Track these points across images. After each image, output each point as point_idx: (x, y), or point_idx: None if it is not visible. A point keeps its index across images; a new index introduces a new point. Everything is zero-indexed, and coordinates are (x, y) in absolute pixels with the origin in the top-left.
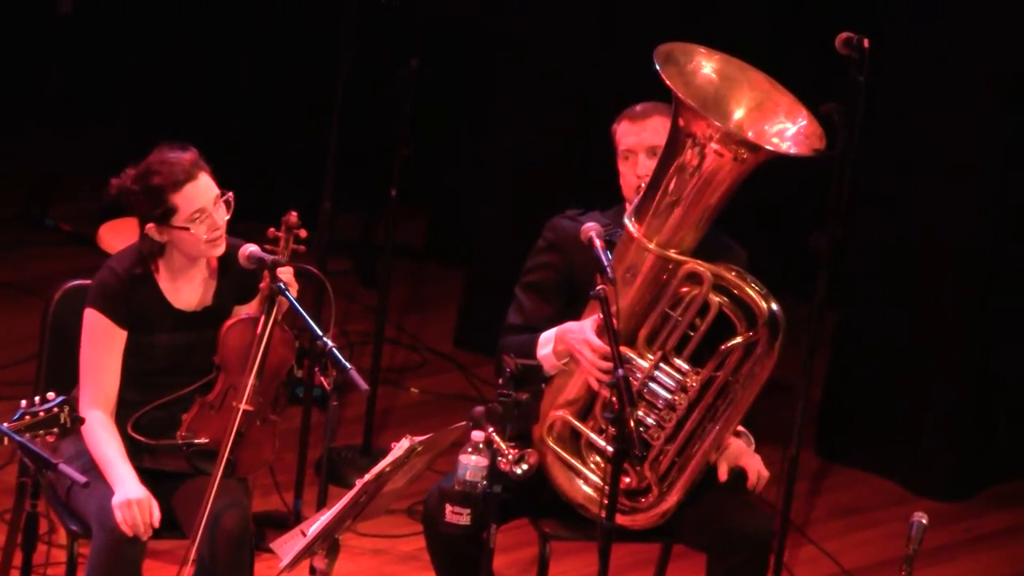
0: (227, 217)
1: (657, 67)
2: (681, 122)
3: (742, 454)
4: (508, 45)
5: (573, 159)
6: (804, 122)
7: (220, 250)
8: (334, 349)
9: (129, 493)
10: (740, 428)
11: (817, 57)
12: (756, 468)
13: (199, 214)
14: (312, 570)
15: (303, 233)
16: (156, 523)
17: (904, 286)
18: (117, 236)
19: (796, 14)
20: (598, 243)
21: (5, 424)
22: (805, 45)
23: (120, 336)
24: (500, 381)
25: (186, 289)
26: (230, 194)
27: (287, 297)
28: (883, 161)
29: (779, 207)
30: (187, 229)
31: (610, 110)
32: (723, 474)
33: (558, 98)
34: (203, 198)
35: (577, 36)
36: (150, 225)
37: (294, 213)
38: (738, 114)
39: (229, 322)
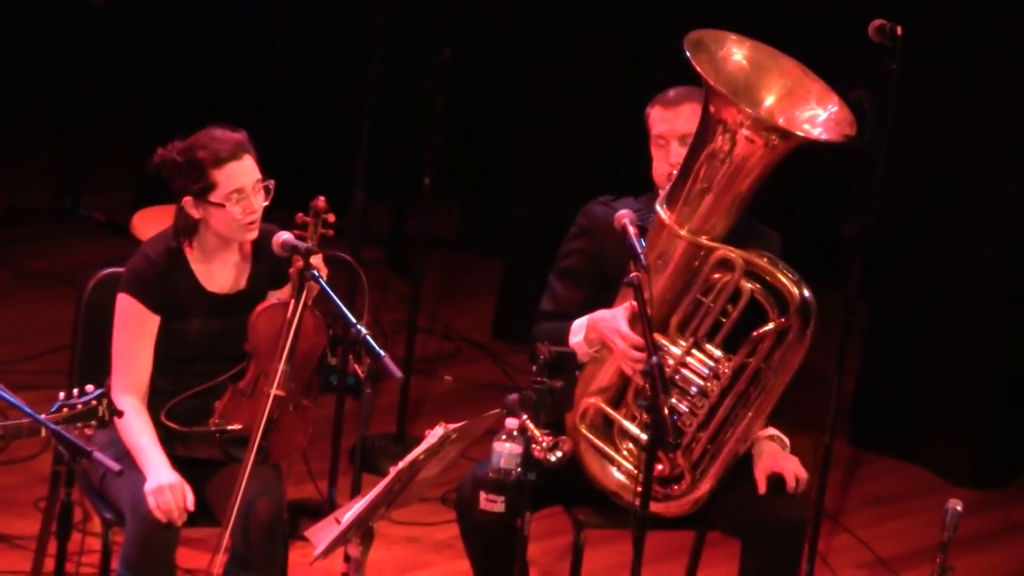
0: (265, 203)
1: (687, 54)
2: (712, 108)
3: (778, 458)
4: (539, 35)
5: (607, 147)
6: (835, 108)
7: (253, 235)
8: (368, 337)
9: (161, 479)
10: (774, 431)
11: (849, 43)
12: (793, 470)
13: (237, 194)
14: (347, 558)
15: (331, 218)
16: (190, 507)
17: (937, 275)
18: (151, 224)
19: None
20: (632, 230)
21: (43, 415)
22: (838, 31)
23: (153, 321)
24: (534, 368)
25: (219, 272)
26: (271, 181)
27: (322, 285)
28: (918, 150)
29: (810, 194)
30: (223, 207)
31: (642, 96)
32: (761, 486)
33: (591, 86)
34: (244, 179)
35: (606, 25)
36: (187, 198)
37: (322, 198)
38: (769, 101)
39: (259, 308)
